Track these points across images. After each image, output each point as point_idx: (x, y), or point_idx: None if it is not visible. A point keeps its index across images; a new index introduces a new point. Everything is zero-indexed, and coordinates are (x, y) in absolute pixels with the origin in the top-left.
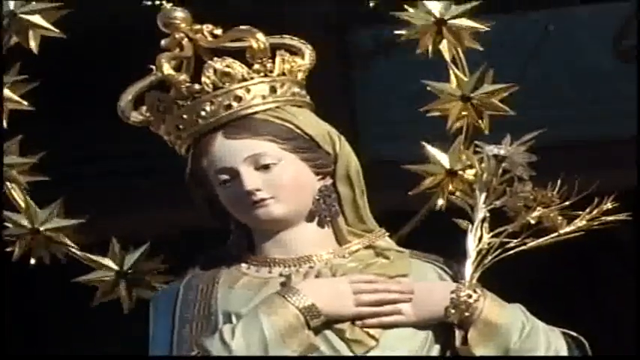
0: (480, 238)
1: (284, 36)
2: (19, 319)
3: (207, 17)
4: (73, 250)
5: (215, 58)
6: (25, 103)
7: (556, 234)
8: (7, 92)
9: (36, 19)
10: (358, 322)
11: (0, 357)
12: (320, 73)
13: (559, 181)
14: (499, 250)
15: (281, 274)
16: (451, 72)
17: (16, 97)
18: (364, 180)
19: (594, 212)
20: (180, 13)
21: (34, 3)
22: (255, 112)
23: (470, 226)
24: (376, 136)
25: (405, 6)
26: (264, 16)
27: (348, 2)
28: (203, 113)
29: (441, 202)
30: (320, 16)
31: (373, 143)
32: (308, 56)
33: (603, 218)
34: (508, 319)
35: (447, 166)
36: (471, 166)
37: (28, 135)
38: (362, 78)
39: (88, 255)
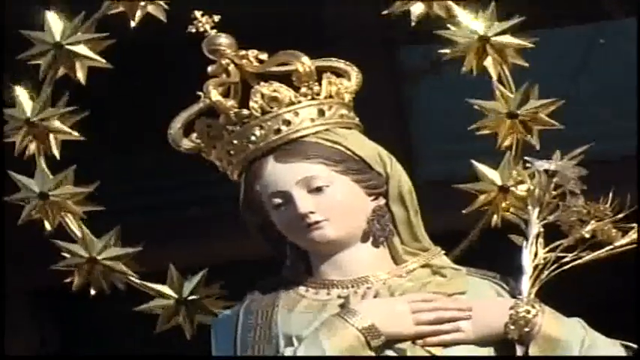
0: (536, 254)
1: (329, 58)
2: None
3: (257, 42)
4: (132, 278)
5: (262, 83)
6: (76, 133)
7: (611, 247)
8: (57, 123)
9: (82, 49)
10: (419, 342)
11: None
12: (370, 94)
13: (611, 194)
14: (555, 265)
15: (339, 296)
16: (496, 90)
17: (66, 128)
18: (417, 200)
19: None
20: (224, 39)
21: (79, 34)
22: (305, 135)
23: (525, 241)
24: (428, 156)
25: (449, 24)
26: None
27: (397, 21)
28: (253, 138)
29: (495, 219)
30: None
31: (425, 163)
32: (354, 78)
33: None
34: (568, 333)
35: (499, 182)
36: (522, 182)
37: (81, 165)
38: (412, 97)
39: (147, 283)
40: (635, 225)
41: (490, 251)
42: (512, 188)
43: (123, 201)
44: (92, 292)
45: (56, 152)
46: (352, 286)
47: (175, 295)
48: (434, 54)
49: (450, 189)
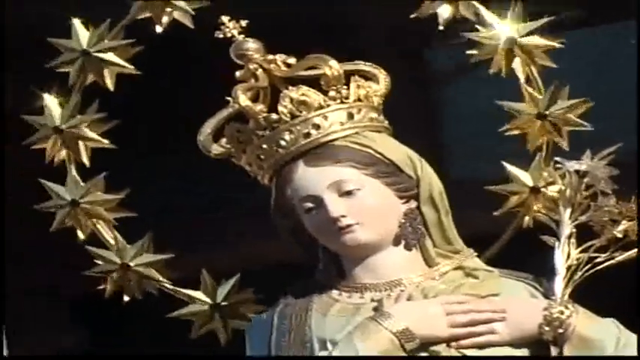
0: (568, 255)
1: (357, 62)
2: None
3: (278, 46)
4: (165, 284)
5: (290, 87)
6: (106, 141)
7: None
8: (87, 131)
9: (110, 56)
10: (453, 344)
11: None
12: (400, 97)
13: None
14: (588, 266)
15: (373, 299)
16: (524, 91)
17: (96, 136)
18: (448, 202)
19: None
20: (252, 44)
21: (106, 41)
22: (335, 139)
23: (557, 242)
24: (457, 158)
25: (477, 26)
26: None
27: (426, 24)
28: (283, 142)
29: (526, 220)
30: (398, 38)
31: (455, 165)
32: (382, 81)
33: None
34: (602, 333)
35: (530, 184)
36: (553, 183)
37: (113, 172)
38: (441, 99)
39: (181, 289)
40: None
41: (523, 253)
42: (544, 189)
43: (155, 208)
44: (125, 298)
45: (86, 160)
46: (385, 290)
47: (209, 301)
48: (463, 56)
49: (480, 191)
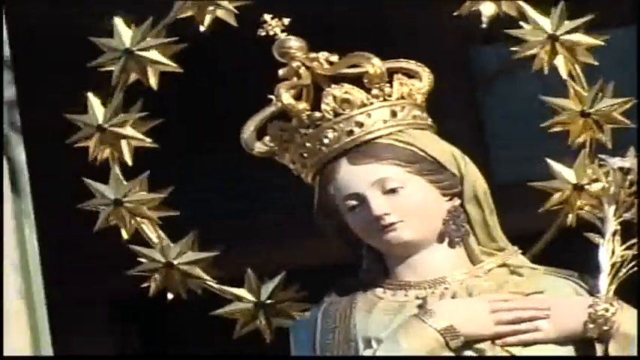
0: (613, 252)
1: (400, 59)
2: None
3: (325, 45)
4: (210, 283)
5: (333, 85)
6: (149, 140)
7: None
8: (130, 130)
9: (153, 55)
10: (498, 341)
11: None
12: (445, 94)
13: None
14: (633, 263)
15: (417, 297)
16: (569, 87)
17: (139, 135)
18: (494, 201)
19: None
20: (295, 42)
21: (149, 39)
22: (378, 137)
23: (601, 239)
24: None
25: (521, 23)
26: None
27: (471, 22)
28: (326, 141)
29: (570, 217)
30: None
31: (500, 164)
32: (426, 79)
33: None
34: None
35: (574, 181)
36: (597, 180)
37: (156, 171)
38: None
39: (225, 288)
40: None
41: (567, 250)
42: (587, 186)
43: (199, 206)
44: (169, 296)
45: (129, 159)
46: (429, 287)
47: (253, 299)
48: (507, 54)
49: (525, 190)
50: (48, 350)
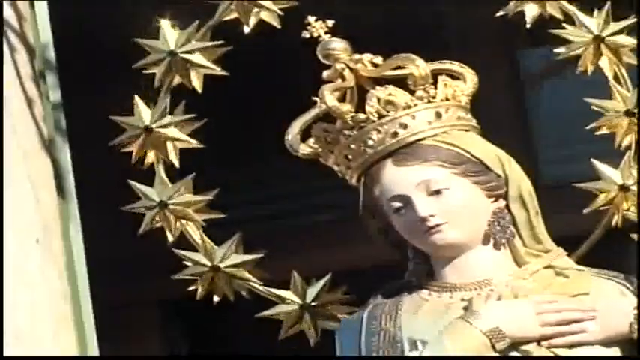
0: None
1: (444, 61)
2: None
3: (372, 44)
4: (256, 285)
5: (377, 87)
6: (194, 141)
7: None
8: (174, 131)
9: (197, 58)
10: (544, 343)
11: None
12: (492, 96)
13: None
14: None
15: (462, 299)
16: (613, 88)
17: (184, 137)
18: (539, 203)
19: None
20: (339, 44)
21: (193, 42)
22: (423, 139)
23: None
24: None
25: (564, 24)
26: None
27: (516, 23)
28: (370, 142)
29: (615, 218)
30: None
31: (546, 165)
32: (470, 80)
33: None
34: None
35: (619, 182)
36: None
37: (201, 173)
38: (533, 99)
39: (271, 289)
40: None
41: (613, 251)
42: (633, 187)
43: (244, 209)
44: (215, 299)
45: (175, 160)
46: (475, 289)
47: (299, 301)
48: (553, 57)
49: (571, 191)
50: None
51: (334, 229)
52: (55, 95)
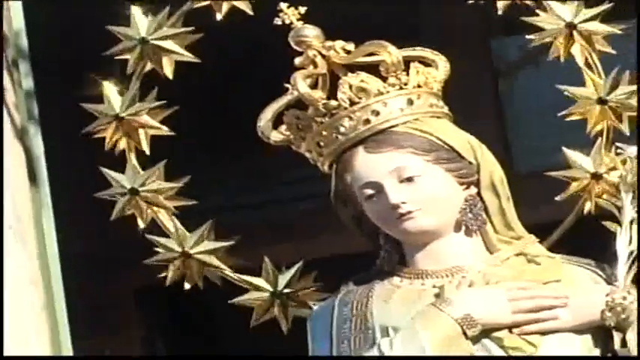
0: (630, 240)
1: (416, 48)
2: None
3: (345, 32)
4: (227, 272)
5: (349, 74)
6: (165, 128)
7: None
8: (146, 118)
9: (168, 44)
10: (516, 330)
11: None
12: (466, 84)
13: None
14: None
15: (434, 286)
16: (586, 75)
17: (156, 123)
18: (513, 192)
19: None
20: (311, 31)
21: (165, 28)
22: (395, 125)
23: (619, 228)
24: (522, 147)
25: (537, 11)
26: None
27: (490, 12)
28: (342, 129)
29: (588, 206)
30: (463, 27)
31: (519, 154)
32: (442, 67)
33: None
34: None
35: (591, 169)
36: (614, 169)
37: (172, 160)
38: (508, 88)
39: (242, 277)
40: None
41: (584, 239)
42: (605, 175)
43: (217, 198)
44: (186, 286)
45: (146, 147)
46: (447, 276)
47: (270, 288)
48: (526, 45)
49: (544, 180)
50: (67, 344)
51: (306, 217)
52: (28, 83)
